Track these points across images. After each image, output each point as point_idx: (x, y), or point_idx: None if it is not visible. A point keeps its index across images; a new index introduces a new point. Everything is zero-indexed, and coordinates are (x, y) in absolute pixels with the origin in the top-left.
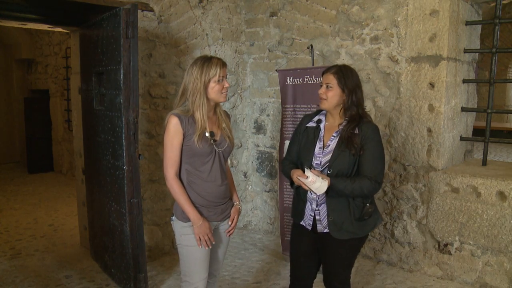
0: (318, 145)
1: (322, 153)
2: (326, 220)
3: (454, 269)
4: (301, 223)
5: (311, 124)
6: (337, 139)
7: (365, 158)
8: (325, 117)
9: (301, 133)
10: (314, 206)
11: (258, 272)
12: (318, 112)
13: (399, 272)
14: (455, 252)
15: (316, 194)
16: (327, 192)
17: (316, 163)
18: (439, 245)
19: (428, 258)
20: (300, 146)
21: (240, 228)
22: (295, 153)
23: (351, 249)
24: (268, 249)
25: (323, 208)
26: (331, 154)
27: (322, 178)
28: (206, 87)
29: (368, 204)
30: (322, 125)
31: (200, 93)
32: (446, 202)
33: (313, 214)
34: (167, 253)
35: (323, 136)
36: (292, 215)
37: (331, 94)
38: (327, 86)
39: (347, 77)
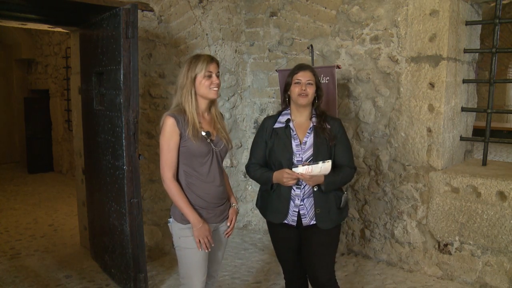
0: (294, 143)
1: (301, 150)
2: (313, 213)
3: (454, 269)
4: (284, 221)
5: (278, 125)
6: (312, 134)
7: (341, 150)
8: (290, 116)
9: (269, 136)
10: (298, 202)
11: (258, 272)
12: (279, 114)
13: (399, 272)
14: (455, 252)
15: (303, 184)
16: (322, 189)
17: (297, 160)
18: (439, 245)
19: (428, 258)
20: (271, 149)
21: (240, 228)
22: (263, 157)
23: (335, 236)
24: (268, 249)
25: (308, 202)
26: (311, 150)
27: (323, 161)
28: (193, 82)
29: (345, 193)
30: (291, 124)
31: (187, 88)
32: (446, 202)
33: (297, 210)
34: (167, 253)
35: (296, 134)
36: (270, 216)
37: (312, 91)
38: (309, 83)
39: (318, 76)
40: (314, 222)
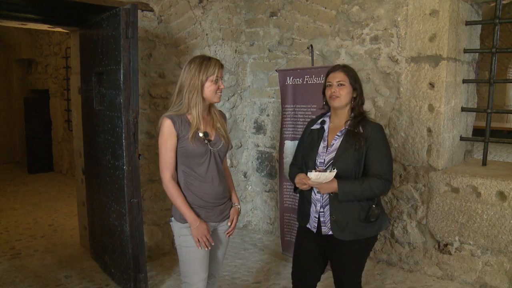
0: (322, 145)
1: (326, 152)
2: (329, 222)
3: (454, 269)
4: (307, 226)
5: (315, 126)
6: (342, 138)
7: (373, 157)
8: (329, 118)
9: (306, 136)
10: (318, 207)
11: (258, 272)
12: (322, 115)
13: (399, 272)
14: (455, 252)
15: (321, 192)
16: (337, 196)
17: (320, 162)
18: (439, 245)
19: (428, 258)
20: (304, 149)
21: (240, 228)
22: (301, 158)
23: (358, 251)
24: (268, 249)
25: (328, 210)
26: (335, 152)
27: (330, 170)
28: (202, 85)
29: (374, 206)
30: (326, 126)
31: (197, 91)
32: (446, 202)
33: (317, 216)
34: (167, 253)
35: (327, 136)
36: (299, 218)
37: (345, 92)
38: (340, 84)
39: (355, 75)
40: (331, 233)
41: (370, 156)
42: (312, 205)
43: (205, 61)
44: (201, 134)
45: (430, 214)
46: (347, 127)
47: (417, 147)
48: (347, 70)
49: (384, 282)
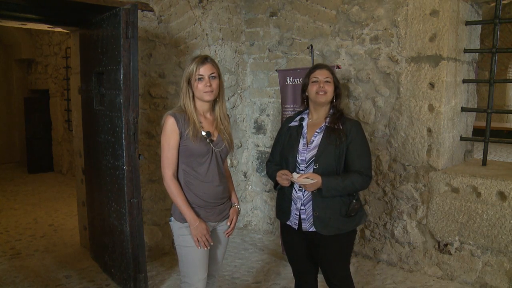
0: (302, 142)
1: (307, 149)
2: (312, 218)
3: (454, 269)
4: (287, 223)
5: (293, 123)
6: (321, 134)
7: (354, 154)
8: (307, 116)
9: (284, 134)
10: (299, 205)
11: (258, 272)
12: (300, 113)
13: (399, 272)
14: (455, 252)
15: (303, 189)
16: (321, 192)
17: (301, 159)
18: (439, 245)
19: (428, 258)
20: (283, 146)
21: (240, 228)
22: (278, 154)
23: (341, 245)
24: (268, 249)
25: (309, 207)
26: (316, 149)
27: (312, 179)
28: (188, 85)
29: (354, 201)
30: (304, 123)
31: (184, 91)
32: (446, 202)
33: (298, 213)
34: (167, 253)
35: (306, 133)
36: (278, 215)
37: (331, 89)
38: (326, 81)
39: (335, 74)
40: (314, 229)
41: (351, 152)
42: (293, 203)
43: (191, 61)
44: (203, 133)
45: (430, 214)
46: (326, 123)
47: (417, 147)
48: (330, 68)
49: (384, 282)
